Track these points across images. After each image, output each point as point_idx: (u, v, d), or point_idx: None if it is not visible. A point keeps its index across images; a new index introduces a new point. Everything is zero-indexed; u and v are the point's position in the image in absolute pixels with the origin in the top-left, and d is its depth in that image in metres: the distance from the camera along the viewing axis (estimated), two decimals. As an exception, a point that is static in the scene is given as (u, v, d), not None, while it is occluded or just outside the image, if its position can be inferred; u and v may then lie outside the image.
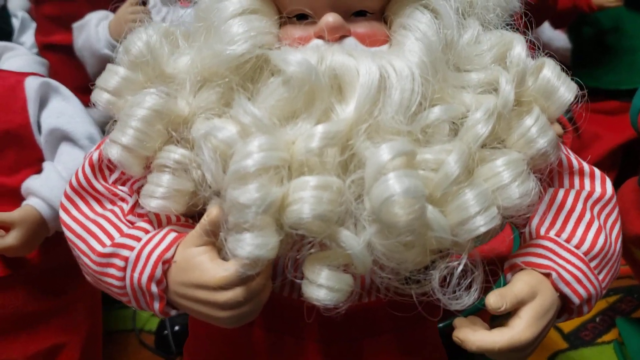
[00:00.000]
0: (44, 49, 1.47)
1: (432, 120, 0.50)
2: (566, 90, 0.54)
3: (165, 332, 1.39)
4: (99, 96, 0.57)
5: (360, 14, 0.55)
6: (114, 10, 1.28)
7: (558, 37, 1.67)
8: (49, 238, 0.91)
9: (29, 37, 1.53)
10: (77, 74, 1.38)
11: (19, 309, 0.93)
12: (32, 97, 0.91)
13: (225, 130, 0.50)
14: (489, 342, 0.52)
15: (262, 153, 0.47)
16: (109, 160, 0.57)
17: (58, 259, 0.95)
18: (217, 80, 0.53)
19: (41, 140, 0.92)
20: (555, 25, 1.59)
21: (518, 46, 0.54)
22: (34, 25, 1.52)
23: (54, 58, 1.40)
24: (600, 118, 1.54)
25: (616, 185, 1.19)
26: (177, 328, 1.40)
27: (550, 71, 0.54)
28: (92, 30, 1.29)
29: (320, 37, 0.53)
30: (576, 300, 0.55)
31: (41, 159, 0.93)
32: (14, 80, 0.91)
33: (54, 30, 1.46)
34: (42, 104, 0.92)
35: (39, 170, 0.92)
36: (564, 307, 0.57)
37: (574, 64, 1.59)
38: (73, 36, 1.36)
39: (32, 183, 0.88)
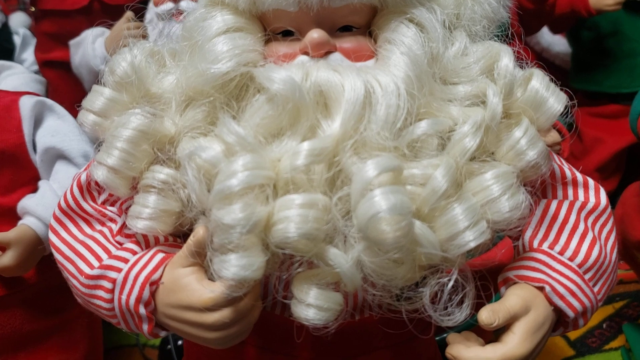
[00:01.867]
0: (44, 65, 1.48)
1: (418, 135, 0.49)
2: (555, 101, 0.54)
3: (169, 346, 1.39)
4: (85, 117, 0.57)
5: (345, 29, 0.54)
6: (110, 27, 1.28)
7: (558, 42, 1.66)
8: (45, 257, 0.90)
9: (30, 54, 1.54)
10: (76, 90, 1.39)
11: (17, 329, 0.92)
12: (27, 116, 0.90)
13: (210, 150, 0.49)
14: (482, 359, 0.51)
15: (247, 172, 0.47)
16: (97, 182, 0.57)
17: (55, 278, 0.94)
18: (202, 99, 0.53)
19: (36, 159, 0.92)
20: (554, 30, 1.58)
21: (505, 58, 0.53)
22: (35, 42, 1.53)
23: (53, 75, 1.41)
24: (602, 122, 1.53)
25: (621, 189, 1.18)
26: (180, 343, 1.39)
27: (538, 82, 0.54)
28: (88, 47, 1.30)
29: (305, 53, 0.53)
30: (571, 313, 0.55)
31: (37, 178, 0.92)
32: (9, 99, 0.91)
33: (53, 47, 1.47)
34: (37, 122, 0.92)
35: (34, 190, 0.92)
36: (559, 320, 0.57)
37: (574, 69, 1.58)
38: (70, 53, 1.37)
39: (27, 202, 0.88)
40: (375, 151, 0.48)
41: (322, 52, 0.53)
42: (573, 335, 1.46)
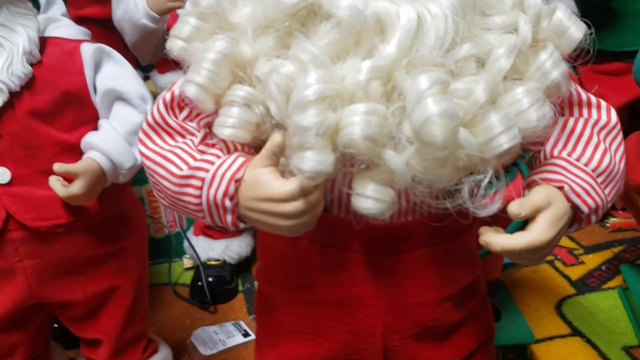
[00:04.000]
0: (76, 22, 1.55)
1: (462, 55, 0.59)
2: (576, 29, 0.63)
3: (200, 283, 1.49)
4: (174, 43, 0.66)
5: None
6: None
7: (565, 2, 1.74)
8: (104, 189, 1.00)
9: (54, 13, 1.61)
10: (109, 46, 1.46)
11: (80, 254, 1.03)
12: (88, 61, 1.00)
13: (287, 66, 0.59)
14: (511, 243, 0.62)
15: (320, 84, 0.56)
16: (180, 100, 0.67)
17: (112, 208, 1.05)
18: (275, 26, 0.62)
19: (97, 100, 1.01)
20: (562, -9, 1.66)
21: None
22: (59, 0, 1.59)
23: (86, 31, 1.48)
24: (606, 79, 1.61)
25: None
26: (210, 279, 1.50)
27: (562, 13, 0.63)
28: (130, 1, 1.37)
29: None
30: (585, 209, 0.65)
31: (97, 118, 1.02)
32: (71, 46, 1.00)
33: (86, 3, 1.54)
34: (97, 67, 1.01)
35: (95, 128, 1.01)
36: (575, 218, 0.67)
37: (580, 28, 1.66)
38: (112, 7, 1.44)
39: (92, 138, 0.98)
40: (426, 67, 0.58)
41: None
42: (574, 276, 1.57)
